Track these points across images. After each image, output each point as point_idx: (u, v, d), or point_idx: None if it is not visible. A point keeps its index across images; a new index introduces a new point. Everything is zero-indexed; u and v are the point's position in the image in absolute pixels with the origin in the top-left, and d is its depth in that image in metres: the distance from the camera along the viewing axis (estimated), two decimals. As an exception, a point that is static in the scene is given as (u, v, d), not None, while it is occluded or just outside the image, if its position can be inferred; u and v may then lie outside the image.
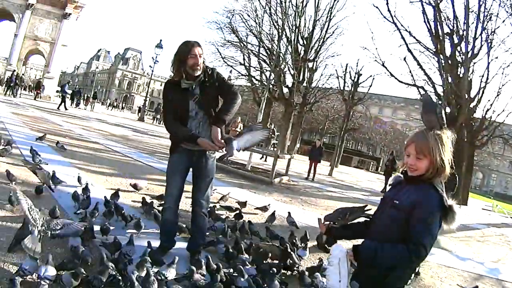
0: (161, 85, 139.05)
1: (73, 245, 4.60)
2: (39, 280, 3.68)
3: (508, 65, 27.31)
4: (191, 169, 5.38)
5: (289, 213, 8.40)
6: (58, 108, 34.65)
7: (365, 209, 3.63)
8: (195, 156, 5.17)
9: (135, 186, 8.50)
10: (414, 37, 25.44)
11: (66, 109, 34.72)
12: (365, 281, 3.06)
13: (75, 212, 6.15)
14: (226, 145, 4.95)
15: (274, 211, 8.39)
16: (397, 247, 2.72)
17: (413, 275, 3.02)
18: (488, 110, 29.87)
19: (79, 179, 7.85)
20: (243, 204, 8.93)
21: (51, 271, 3.80)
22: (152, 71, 48.48)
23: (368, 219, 3.31)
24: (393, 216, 2.85)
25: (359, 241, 3.14)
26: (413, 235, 2.69)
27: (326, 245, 7.03)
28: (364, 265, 2.97)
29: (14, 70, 45.17)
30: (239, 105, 5.16)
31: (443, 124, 2.99)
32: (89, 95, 60.03)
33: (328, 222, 3.46)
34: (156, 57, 44.63)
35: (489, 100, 29.91)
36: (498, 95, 29.29)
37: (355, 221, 3.50)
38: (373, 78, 36.33)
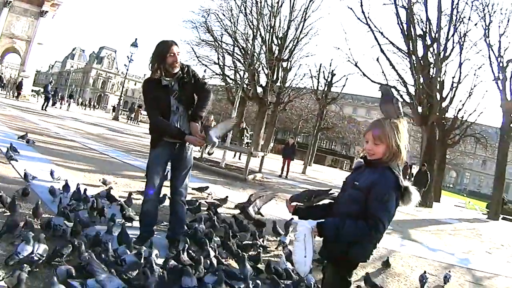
0: (135, 84, 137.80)
1: (59, 224, 4.97)
2: (32, 256, 3.96)
3: (480, 67, 28.09)
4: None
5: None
6: (43, 108, 34.71)
7: (330, 192, 3.89)
8: (176, 149, 5.47)
9: (104, 182, 8.64)
10: (387, 38, 25.78)
11: (42, 108, 34.68)
12: (329, 256, 3.39)
13: (68, 204, 6.24)
14: (206, 136, 5.29)
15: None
16: (357, 223, 2.98)
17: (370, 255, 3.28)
18: (460, 110, 30.88)
19: (51, 173, 8.05)
20: (224, 200, 9.17)
21: (42, 248, 4.10)
22: (127, 70, 48.13)
23: (332, 201, 3.58)
24: (353, 196, 3.11)
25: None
26: (372, 212, 2.96)
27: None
28: (328, 240, 3.25)
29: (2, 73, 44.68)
30: (211, 101, 5.56)
31: (399, 114, 3.26)
32: (63, 95, 59.45)
33: (295, 203, 3.73)
34: (131, 56, 44.33)
35: (461, 100, 30.97)
36: (470, 95, 30.24)
37: (320, 203, 3.74)
38: (347, 78, 36.60)
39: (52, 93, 39.66)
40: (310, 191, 3.83)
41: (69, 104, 50.06)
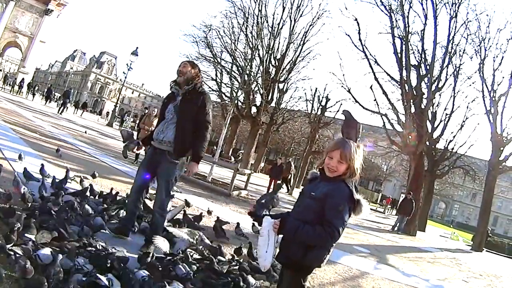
0: (132, 93, 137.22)
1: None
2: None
3: (473, 100, 28.33)
4: None
5: (238, 223, 8.53)
6: (59, 113, 36.20)
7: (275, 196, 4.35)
8: (156, 154, 5.86)
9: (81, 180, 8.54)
10: (381, 67, 26.37)
11: (58, 112, 36.21)
12: (286, 262, 3.69)
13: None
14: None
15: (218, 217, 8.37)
16: (315, 227, 3.31)
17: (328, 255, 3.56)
18: (450, 141, 30.81)
19: (19, 157, 8.68)
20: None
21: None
22: (126, 77, 48.25)
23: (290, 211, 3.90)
24: (310, 205, 3.45)
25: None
26: (328, 219, 3.30)
27: None
28: (285, 238, 3.59)
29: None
30: (209, 136, 6.13)
31: (358, 138, 3.63)
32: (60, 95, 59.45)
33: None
34: (131, 64, 44.12)
35: (452, 132, 30.85)
36: (461, 127, 30.19)
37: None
38: (341, 104, 36.72)
39: (68, 99, 40.72)
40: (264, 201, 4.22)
41: (67, 108, 50.35)
